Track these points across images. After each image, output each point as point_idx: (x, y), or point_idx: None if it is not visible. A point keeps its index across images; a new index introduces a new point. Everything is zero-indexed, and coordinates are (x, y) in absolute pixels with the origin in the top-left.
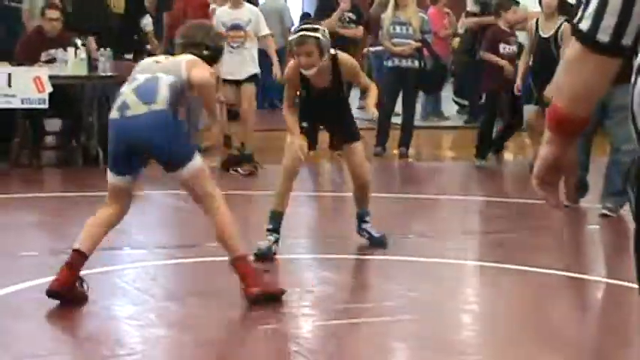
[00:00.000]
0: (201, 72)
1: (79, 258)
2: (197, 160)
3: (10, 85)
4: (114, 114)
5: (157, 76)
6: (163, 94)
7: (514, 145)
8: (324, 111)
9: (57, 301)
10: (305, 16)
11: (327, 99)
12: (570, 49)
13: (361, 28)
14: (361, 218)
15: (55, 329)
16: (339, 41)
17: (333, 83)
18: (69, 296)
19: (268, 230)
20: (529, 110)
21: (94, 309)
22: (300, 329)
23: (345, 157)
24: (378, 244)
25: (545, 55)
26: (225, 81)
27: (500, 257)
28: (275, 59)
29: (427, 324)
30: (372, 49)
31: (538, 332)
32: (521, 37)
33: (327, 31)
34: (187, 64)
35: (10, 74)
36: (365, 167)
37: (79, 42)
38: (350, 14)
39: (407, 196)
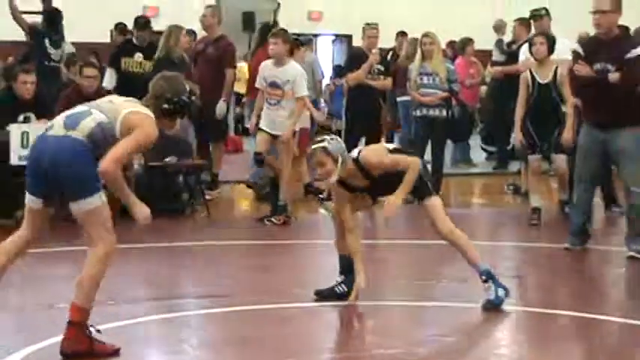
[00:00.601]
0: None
1: None
2: (96, 200)
3: None
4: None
5: (90, 111)
6: (87, 125)
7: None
8: (381, 193)
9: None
10: (337, 68)
11: (378, 189)
12: None
13: (390, 79)
14: (480, 277)
15: None
16: (369, 92)
17: (374, 181)
18: None
19: None
20: (533, 160)
21: (131, 359)
22: None
23: None
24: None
25: (547, 101)
26: (260, 129)
27: (533, 301)
28: (294, 122)
29: None
30: (399, 99)
31: None
32: None
33: (335, 138)
34: (125, 117)
35: None
36: (439, 223)
37: None
38: (379, 66)
39: (438, 242)
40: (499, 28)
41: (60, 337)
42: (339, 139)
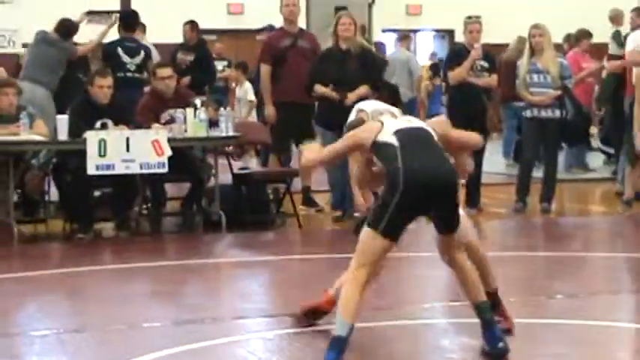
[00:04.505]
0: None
1: None
2: None
3: (128, 150)
4: None
5: None
6: None
7: None
8: None
9: None
10: (434, 67)
11: None
12: None
13: (495, 76)
14: None
15: None
16: (472, 91)
17: None
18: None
19: None
20: None
21: None
22: None
23: None
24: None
25: None
26: None
27: None
28: None
29: None
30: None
31: None
32: None
33: None
34: None
35: (128, 138)
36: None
37: (198, 102)
38: (482, 62)
39: (551, 254)
40: (615, 18)
41: (147, 357)
42: None
